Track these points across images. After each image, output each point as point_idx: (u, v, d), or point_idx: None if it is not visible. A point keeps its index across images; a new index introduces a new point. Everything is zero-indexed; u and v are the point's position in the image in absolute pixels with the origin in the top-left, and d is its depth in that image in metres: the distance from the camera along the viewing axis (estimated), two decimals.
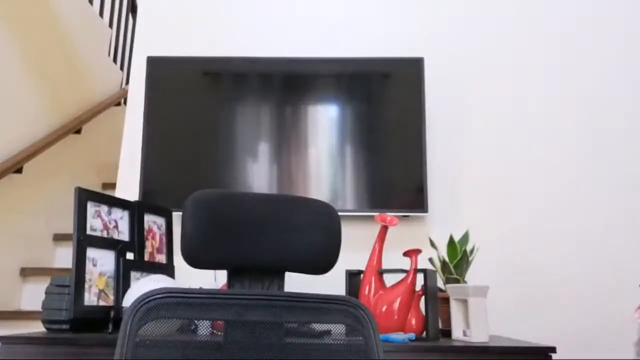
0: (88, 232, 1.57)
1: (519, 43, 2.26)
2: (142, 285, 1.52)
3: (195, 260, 0.85)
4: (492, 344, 1.47)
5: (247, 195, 0.91)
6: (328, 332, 1.48)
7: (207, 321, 1.47)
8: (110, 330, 1.52)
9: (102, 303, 1.56)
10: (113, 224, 1.67)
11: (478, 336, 1.52)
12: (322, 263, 0.91)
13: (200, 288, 1.18)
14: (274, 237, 0.88)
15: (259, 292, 0.79)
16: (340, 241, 0.94)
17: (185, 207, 0.86)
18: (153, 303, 0.68)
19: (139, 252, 1.73)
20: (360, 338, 0.83)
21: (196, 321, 1.51)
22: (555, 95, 2.21)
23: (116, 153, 3.70)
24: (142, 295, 0.69)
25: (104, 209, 1.65)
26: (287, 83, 2.11)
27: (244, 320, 0.77)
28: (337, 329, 0.89)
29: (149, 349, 0.67)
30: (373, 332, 0.83)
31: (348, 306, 0.84)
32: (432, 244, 1.81)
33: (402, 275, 1.98)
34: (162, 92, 2.12)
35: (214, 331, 1.57)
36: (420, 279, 1.91)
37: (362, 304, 0.85)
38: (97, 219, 1.62)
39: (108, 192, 3.53)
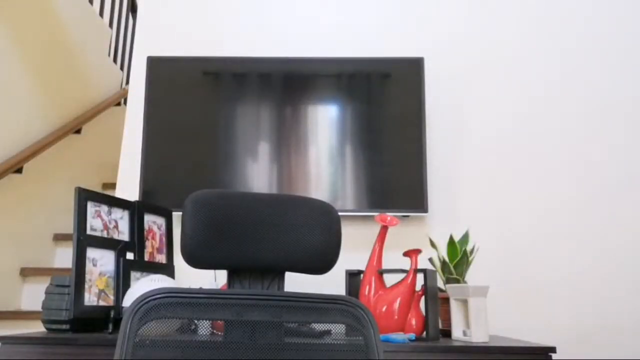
0: (88, 232, 1.57)
1: (519, 43, 2.26)
2: (142, 285, 1.52)
3: (195, 260, 0.85)
4: (492, 344, 1.47)
5: (246, 195, 0.91)
6: (328, 332, 1.48)
7: (207, 321, 1.47)
8: (110, 330, 1.52)
9: (102, 303, 1.56)
10: (113, 224, 1.67)
11: (478, 336, 1.52)
12: (321, 263, 0.91)
13: (200, 288, 1.18)
14: (273, 237, 0.88)
15: (259, 292, 0.79)
16: (340, 241, 0.94)
17: (185, 207, 0.86)
18: (153, 303, 0.68)
19: (139, 252, 1.73)
20: (360, 338, 0.83)
21: (196, 321, 1.51)
22: (555, 96, 2.21)
23: (116, 153, 3.70)
24: (142, 295, 0.69)
25: (104, 209, 1.65)
26: (287, 83, 2.11)
27: (244, 320, 0.77)
28: (337, 329, 0.89)
29: (149, 349, 0.67)
30: (373, 332, 0.83)
31: (348, 306, 0.84)
32: (432, 244, 1.81)
33: (402, 275, 1.98)
34: (162, 92, 2.12)
35: (214, 331, 1.57)
36: (420, 279, 1.91)
37: (362, 304, 0.85)
38: (97, 219, 1.62)
39: (108, 192, 3.53)
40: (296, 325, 1.45)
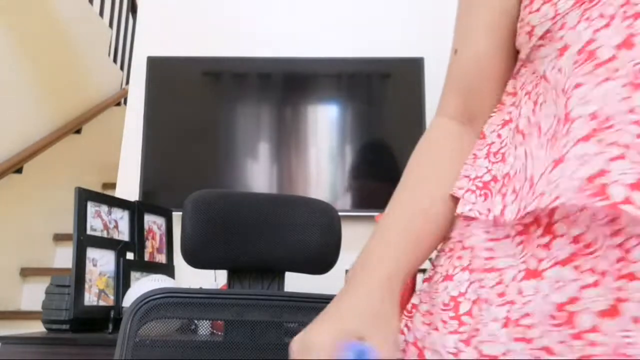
0: (88, 232, 1.57)
1: None
2: (142, 285, 1.52)
3: (195, 260, 0.84)
4: None
5: (247, 195, 0.91)
6: None
7: (207, 321, 1.47)
8: (110, 330, 1.52)
9: (102, 303, 1.56)
10: (113, 224, 1.67)
11: None
12: (322, 263, 0.91)
13: (201, 288, 1.19)
14: (273, 237, 0.88)
15: (259, 292, 0.79)
16: (341, 241, 0.94)
17: (185, 206, 0.86)
18: (153, 303, 0.68)
19: (139, 252, 1.73)
20: None
21: (196, 321, 1.51)
22: None
23: (116, 153, 3.70)
24: (141, 296, 0.69)
25: (104, 209, 1.65)
26: (287, 83, 2.11)
27: (244, 320, 0.77)
28: None
29: (149, 349, 0.67)
30: None
31: None
32: None
33: None
34: (162, 92, 2.12)
35: (214, 331, 1.57)
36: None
37: None
38: (97, 219, 1.62)
39: (108, 192, 3.53)
40: (296, 326, 1.45)
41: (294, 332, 1.52)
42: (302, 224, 0.89)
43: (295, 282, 2.04)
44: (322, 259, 0.91)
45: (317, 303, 0.83)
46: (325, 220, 0.91)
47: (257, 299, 0.78)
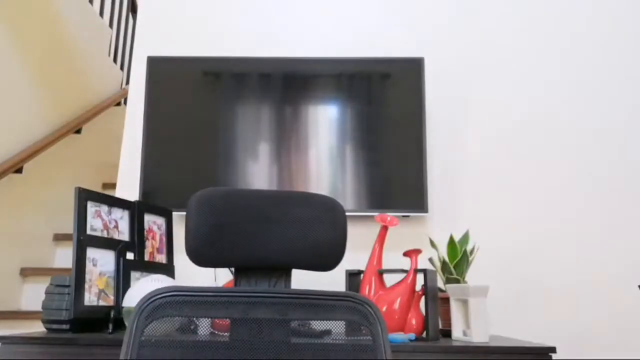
0: (88, 232, 1.57)
1: (519, 42, 2.27)
2: (142, 285, 1.52)
3: (201, 259, 0.84)
4: (492, 344, 1.47)
5: (251, 192, 0.91)
6: (333, 330, 1.48)
7: (215, 320, 1.46)
8: (110, 330, 1.52)
9: (102, 303, 1.56)
10: (113, 224, 1.67)
11: (478, 336, 1.52)
12: (328, 259, 0.90)
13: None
14: (279, 234, 0.87)
15: (265, 290, 0.79)
16: (346, 236, 0.93)
17: (189, 205, 0.86)
18: (159, 302, 0.68)
19: (139, 252, 1.73)
20: (369, 338, 0.83)
21: (196, 321, 1.51)
22: (555, 94, 2.22)
23: (116, 153, 3.70)
24: (148, 294, 0.69)
25: (104, 209, 1.65)
26: (287, 83, 2.11)
27: (250, 318, 0.77)
28: (344, 326, 0.88)
29: (155, 348, 0.67)
30: (381, 330, 0.83)
31: (355, 303, 0.84)
32: (432, 244, 1.81)
33: (402, 275, 1.98)
34: (162, 92, 2.12)
35: (214, 331, 1.57)
36: (420, 279, 1.91)
37: (370, 301, 0.85)
38: (97, 219, 1.61)
39: (108, 192, 3.52)
40: (303, 323, 1.45)
41: (301, 329, 1.51)
42: (307, 219, 0.89)
43: (296, 282, 2.04)
44: (328, 255, 0.90)
45: (323, 300, 0.83)
46: (331, 215, 0.91)
47: (264, 296, 0.77)
